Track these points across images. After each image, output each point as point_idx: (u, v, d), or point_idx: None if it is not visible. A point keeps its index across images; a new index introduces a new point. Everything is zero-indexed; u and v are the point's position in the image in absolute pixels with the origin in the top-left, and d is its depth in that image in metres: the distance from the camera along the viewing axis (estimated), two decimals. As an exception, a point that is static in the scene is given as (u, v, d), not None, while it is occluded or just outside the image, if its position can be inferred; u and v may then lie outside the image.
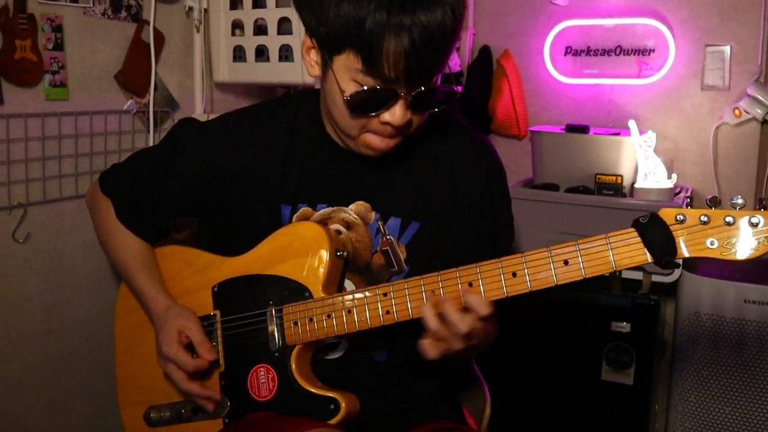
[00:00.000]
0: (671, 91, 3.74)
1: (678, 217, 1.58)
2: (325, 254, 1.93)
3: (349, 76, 1.76)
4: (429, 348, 1.72)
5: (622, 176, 3.40)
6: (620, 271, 3.17)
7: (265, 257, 2.03)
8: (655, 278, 3.22)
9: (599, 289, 3.34)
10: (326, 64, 1.82)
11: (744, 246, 1.55)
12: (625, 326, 3.32)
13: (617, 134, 3.52)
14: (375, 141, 1.86)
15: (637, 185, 3.40)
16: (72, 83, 2.86)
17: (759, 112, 3.50)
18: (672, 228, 1.58)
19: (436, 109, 1.85)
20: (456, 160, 2.07)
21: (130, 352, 2.30)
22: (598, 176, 3.43)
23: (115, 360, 2.35)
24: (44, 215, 2.83)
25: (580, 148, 3.53)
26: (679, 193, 3.45)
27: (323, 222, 2.01)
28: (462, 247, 2.03)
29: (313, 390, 1.91)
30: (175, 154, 2.15)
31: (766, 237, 1.54)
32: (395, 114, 1.77)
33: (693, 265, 3.30)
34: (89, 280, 3.03)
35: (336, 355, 2.05)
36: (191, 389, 2.00)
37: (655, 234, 1.59)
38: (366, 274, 2.04)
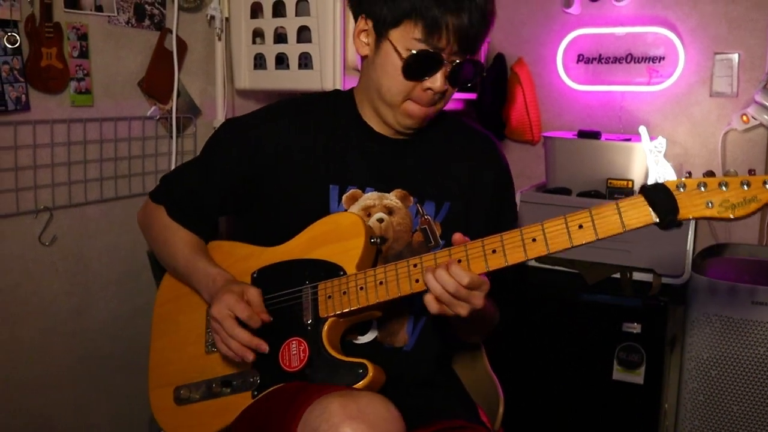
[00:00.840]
0: (681, 97, 3.70)
1: (679, 185, 1.67)
2: (360, 239, 1.98)
3: (404, 45, 1.96)
4: (430, 302, 1.81)
5: (632, 181, 3.37)
6: (631, 274, 3.19)
7: (304, 245, 2.07)
8: (665, 280, 3.24)
9: (611, 291, 3.34)
10: (380, 39, 2.01)
11: (736, 205, 1.64)
12: (635, 327, 3.28)
13: (628, 140, 3.48)
14: (415, 109, 2.04)
15: None
16: (97, 90, 2.85)
17: (766, 118, 3.46)
18: (674, 192, 1.67)
19: (468, 84, 2.07)
20: (472, 151, 2.26)
21: (165, 337, 2.31)
22: (609, 181, 3.41)
23: (150, 345, 2.34)
24: (70, 219, 2.82)
25: (592, 153, 3.51)
26: (688, 196, 3.38)
27: (368, 208, 2.12)
28: (482, 222, 2.18)
29: (341, 357, 1.93)
30: (224, 148, 2.21)
31: (754, 196, 1.63)
32: (435, 82, 1.97)
33: (702, 267, 3.28)
34: (114, 282, 3.02)
35: (365, 340, 2.08)
36: (239, 334, 1.97)
37: (659, 197, 1.67)
38: (407, 254, 2.08)
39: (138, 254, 3.00)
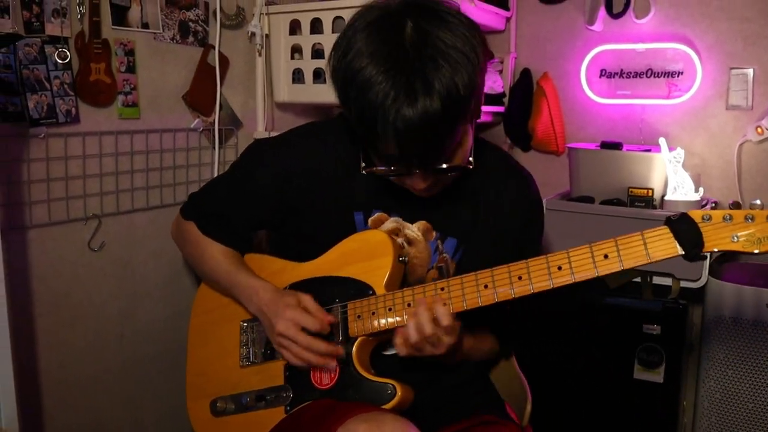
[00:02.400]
0: (698, 110, 3.65)
1: (704, 217, 1.63)
2: (389, 258, 1.93)
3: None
4: (400, 346, 1.84)
5: (653, 189, 3.33)
6: (651, 278, 3.15)
7: (334, 261, 2.03)
8: (684, 284, 3.21)
9: (632, 294, 3.33)
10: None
11: (762, 239, 1.61)
12: (655, 328, 3.28)
13: (648, 151, 3.45)
14: (412, 189, 1.86)
15: (666, 198, 3.36)
16: (143, 103, 2.81)
17: (780, 130, 3.42)
18: (699, 225, 1.63)
19: (453, 175, 1.83)
20: (504, 192, 2.09)
21: (201, 348, 2.29)
22: (630, 189, 3.36)
23: (187, 355, 2.32)
24: (117, 226, 2.80)
25: (614, 163, 3.47)
26: (705, 205, 3.39)
27: (394, 230, 2.03)
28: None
29: (372, 378, 1.90)
30: (254, 171, 2.12)
31: None
32: (413, 183, 1.80)
33: (718, 271, 3.25)
34: (159, 286, 2.99)
35: (392, 351, 2.02)
36: (319, 347, 1.92)
37: (685, 230, 1.63)
38: None
39: (181, 260, 2.99)
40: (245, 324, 2.15)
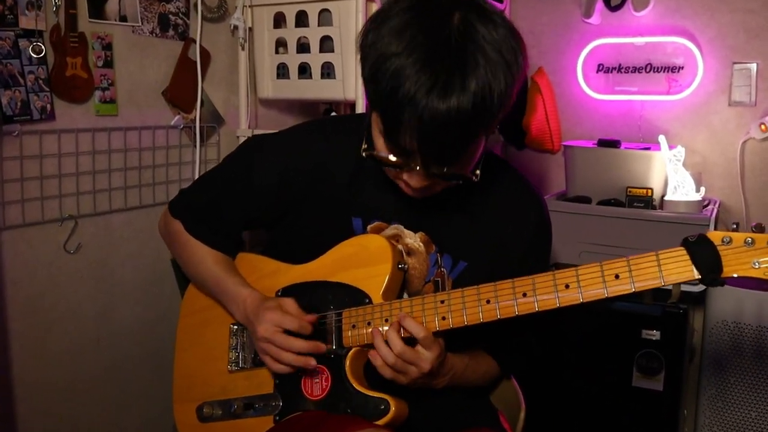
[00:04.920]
0: (700, 107, 3.68)
1: (725, 239, 1.57)
2: (387, 265, 1.90)
3: (378, 132, 1.73)
4: (382, 367, 1.82)
5: (652, 189, 3.35)
6: None
7: (330, 265, 2.00)
8: (684, 288, 3.16)
9: (630, 298, 3.25)
10: (369, 112, 1.79)
11: None
12: (655, 334, 3.26)
13: (647, 149, 3.48)
14: (406, 189, 1.82)
15: (666, 198, 3.37)
16: (121, 99, 2.84)
17: (785, 127, 3.44)
18: (719, 248, 1.57)
19: (452, 182, 1.79)
20: (510, 211, 2.05)
21: (189, 350, 2.27)
22: (629, 189, 3.38)
23: (174, 357, 2.31)
24: (94, 227, 2.81)
25: (612, 162, 3.50)
26: (707, 205, 3.41)
27: (395, 237, 2.00)
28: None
29: (365, 391, 1.87)
30: (253, 166, 2.09)
31: None
32: (411, 180, 1.75)
33: (723, 285, 3.22)
34: (138, 289, 3.01)
35: None
36: (297, 344, 1.90)
37: (703, 253, 1.57)
38: None
39: (161, 262, 2.99)
40: (235, 327, 2.14)
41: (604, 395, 3.40)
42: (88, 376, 2.87)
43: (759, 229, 1.58)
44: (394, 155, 1.71)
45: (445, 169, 1.71)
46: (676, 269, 1.59)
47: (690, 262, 1.58)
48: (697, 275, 1.58)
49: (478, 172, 1.79)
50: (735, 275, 1.56)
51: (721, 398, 3.19)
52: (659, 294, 3.25)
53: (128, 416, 3.04)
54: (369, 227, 2.01)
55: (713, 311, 3.20)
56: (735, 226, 1.62)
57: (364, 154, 1.78)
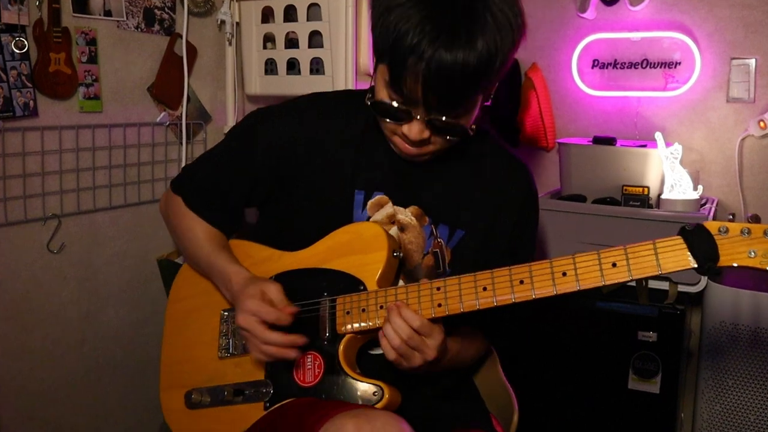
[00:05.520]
0: (697, 103, 3.66)
1: (721, 229, 1.60)
2: (383, 253, 1.93)
3: (383, 84, 1.81)
4: (387, 349, 1.83)
5: (648, 188, 3.33)
6: (647, 281, 3.15)
7: (324, 253, 2.03)
8: (681, 288, 3.19)
9: (626, 298, 3.31)
10: (375, 66, 1.87)
11: None
12: (651, 335, 3.25)
13: (644, 146, 3.46)
14: (402, 146, 1.90)
15: (663, 196, 3.34)
16: (106, 96, 2.83)
17: (784, 124, 3.43)
18: (715, 237, 1.61)
19: (449, 137, 1.88)
20: (501, 179, 2.12)
21: (177, 336, 2.28)
22: (625, 188, 3.36)
23: (162, 343, 2.31)
24: (78, 226, 2.81)
25: (607, 159, 3.48)
26: (705, 204, 3.40)
27: (390, 219, 2.05)
28: (495, 259, 2.00)
29: (358, 378, 1.90)
30: (254, 135, 2.13)
31: None
32: (411, 130, 1.82)
33: (719, 275, 3.21)
34: (122, 289, 3.01)
35: (379, 351, 2.00)
36: (273, 338, 1.90)
37: (700, 241, 1.61)
38: (415, 276, 2.05)
39: (147, 262, 3.00)
40: (226, 313, 2.15)
41: (600, 398, 3.39)
42: (72, 378, 2.86)
43: (755, 219, 1.63)
44: (398, 103, 1.79)
45: (444, 118, 1.79)
46: (673, 258, 1.63)
47: (687, 250, 1.62)
48: (693, 264, 1.61)
49: (474, 126, 1.87)
50: (735, 264, 1.59)
51: (720, 401, 3.17)
52: (656, 295, 3.25)
53: (112, 420, 3.04)
54: (370, 202, 2.06)
55: (710, 312, 3.18)
56: (731, 216, 1.63)
57: (368, 102, 1.87)
